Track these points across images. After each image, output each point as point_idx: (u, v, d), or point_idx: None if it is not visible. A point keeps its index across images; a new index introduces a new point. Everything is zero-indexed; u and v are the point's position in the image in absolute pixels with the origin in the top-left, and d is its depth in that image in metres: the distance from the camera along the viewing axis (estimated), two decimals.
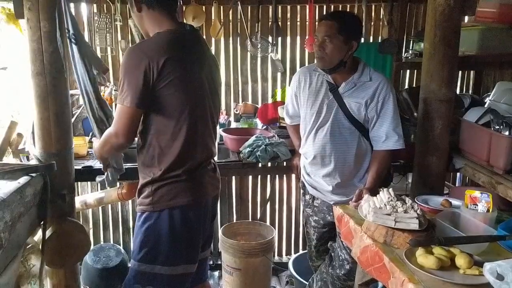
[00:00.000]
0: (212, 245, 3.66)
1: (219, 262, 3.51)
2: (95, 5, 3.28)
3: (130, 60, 1.69)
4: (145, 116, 1.78)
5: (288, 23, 3.56)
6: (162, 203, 1.82)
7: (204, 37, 3.45)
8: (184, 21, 3.29)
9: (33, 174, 2.14)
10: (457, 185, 3.94)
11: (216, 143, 2.07)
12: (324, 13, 3.53)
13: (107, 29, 3.29)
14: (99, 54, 3.34)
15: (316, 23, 3.42)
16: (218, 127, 3.23)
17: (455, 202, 2.15)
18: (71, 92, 2.56)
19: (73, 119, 2.81)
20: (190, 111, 1.79)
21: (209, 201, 1.98)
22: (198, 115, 1.83)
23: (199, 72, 1.83)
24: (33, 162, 2.47)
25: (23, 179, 2.06)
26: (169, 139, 1.79)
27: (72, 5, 3.09)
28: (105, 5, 3.28)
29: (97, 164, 2.76)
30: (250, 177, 3.75)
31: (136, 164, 1.96)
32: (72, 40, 2.36)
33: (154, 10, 1.80)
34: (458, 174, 3.88)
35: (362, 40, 3.53)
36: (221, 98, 2.14)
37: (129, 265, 1.97)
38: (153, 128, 1.79)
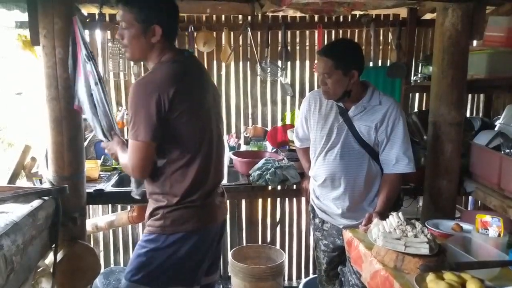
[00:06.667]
0: (221, 269, 3.68)
1: (229, 287, 3.48)
2: (109, 32, 3.37)
3: (140, 95, 1.68)
4: (160, 145, 1.76)
5: (297, 47, 3.62)
6: (173, 227, 1.81)
7: (215, 62, 3.54)
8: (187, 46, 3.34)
9: (46, 198, 2.17)
10: (469, 208, 3.90)
11: (225, 166, 2.07)
12: (333, 37, 3.59)
13: (120, 55, 3.37)
14: (112, 79, 3.43)
15: None
16: (227, 148, 3.29)
17: (466, 226, 2.13)
18: (83, 116, 2.60)
19: (85, 143, 2.86)
20: (202, 137, 1.80)
21: (218, 226, 1.96)
22: (209, 141, 1.84)
23: (205, 98, 1.85)
24: (46, 185, 2.50)
25: (35, 203, 2.09)
26: (182, 167, 1.78)
27: (86, 31, 3.17)
28: None
29: (108, 188, 2.79)
30: (260, 200, 3.75)
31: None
32: (91, 58, 2.40)
33: (166, 42, 1.80)
34: (470, 197, 3.84)
35: (371, 64, 3.60)
36: (223, 119, 2.13)
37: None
38: (167, 157, 1.78)
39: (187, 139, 1.76)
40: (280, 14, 3.42)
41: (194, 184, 1.79)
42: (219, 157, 1.95)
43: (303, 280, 3.59)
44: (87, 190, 2.64)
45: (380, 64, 3.68)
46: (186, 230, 1.81)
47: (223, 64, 3.55)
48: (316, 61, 3.54)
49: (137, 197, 2.08)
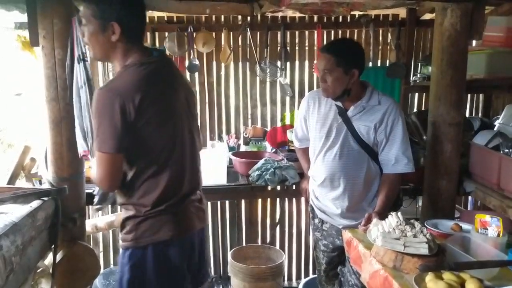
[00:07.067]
0: (221, 269, 3.69)
1: (229, 287, 3.49)
2: None
3: (103, 103, 1.56)
4: (127, 155, 1.66)
5: (297, 48, 3.62)
6: (146, 238, 1.71)
7: (214, 62, 3.53)
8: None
9: (45, 198, 2.17)
10: (469, 208, 3.90)
11: (201, 170, 1.94)
12: (332, 37, 3.59)
13: None
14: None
15: None
16: (226, 149, 3.28)
17: (465, 226, 2.13)
18: None
19: None
20: (173, 144, 1.71)
21: (195, 234, 1.86)
22: (181, 146, 1.75)
23: (175, 101, 1.74)
24: (46, 186, 2.51)
25: (35, 203, 2.09)
26: (152, 177, 1.69)
27: None
28: None
29: None
30: (260, 200, 3.75)
31: None
32: (81, 60, 2.37)
33: (130, 42, 1.69)
34: (469, 197, 3.85)
35: (370, 64, 3.60)
36: (198, 119, 1.99)
37: None
38: (135, 167, 1.68)
39: (156, 147, 1.67)
40: (279, 14, 3.42)
41: (165, 193, 1.70)
42: (194, 163, 1.85)
43: (303, 280, 3.59)
44: (87, 191, 2.63)
45: (379, 64, 3.68)
46: (160, 240, 1.72)
47: (223, 65, 3.55)
48: (315, 61, 3.54)
49: (99, 205, 2.02)
